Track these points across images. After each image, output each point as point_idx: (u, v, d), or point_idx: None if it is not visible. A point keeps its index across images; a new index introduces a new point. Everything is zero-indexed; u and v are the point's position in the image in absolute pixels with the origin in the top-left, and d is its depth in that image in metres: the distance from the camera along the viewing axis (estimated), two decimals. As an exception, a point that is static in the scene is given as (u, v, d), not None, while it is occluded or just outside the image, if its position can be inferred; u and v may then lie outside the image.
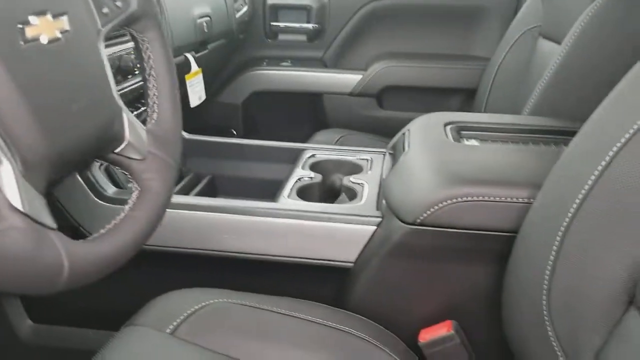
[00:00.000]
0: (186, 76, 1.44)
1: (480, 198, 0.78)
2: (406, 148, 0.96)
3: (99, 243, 0.49)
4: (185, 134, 1.26)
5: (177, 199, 0.93)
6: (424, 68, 1.87)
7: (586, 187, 0.64)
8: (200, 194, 1.21)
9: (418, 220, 0.80)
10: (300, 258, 0.89)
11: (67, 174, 0.52)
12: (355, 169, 1.13)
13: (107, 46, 0.61)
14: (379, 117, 1.91)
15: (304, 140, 1.76)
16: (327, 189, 1.12)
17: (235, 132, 1.96)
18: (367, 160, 1.15)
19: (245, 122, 1.96)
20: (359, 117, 1.90)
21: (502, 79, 1.64)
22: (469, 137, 1.02)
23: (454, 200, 0.79)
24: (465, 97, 1.89)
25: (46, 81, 0.47)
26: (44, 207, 0.45)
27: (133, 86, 1.03)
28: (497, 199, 0.78)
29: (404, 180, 0.86)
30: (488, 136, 1.02)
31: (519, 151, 0.92)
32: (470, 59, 1.91)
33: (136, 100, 1.07)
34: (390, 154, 1.09)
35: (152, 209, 0.56)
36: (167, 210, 0.89)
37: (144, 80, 0.66)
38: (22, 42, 0.45)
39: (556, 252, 0.66)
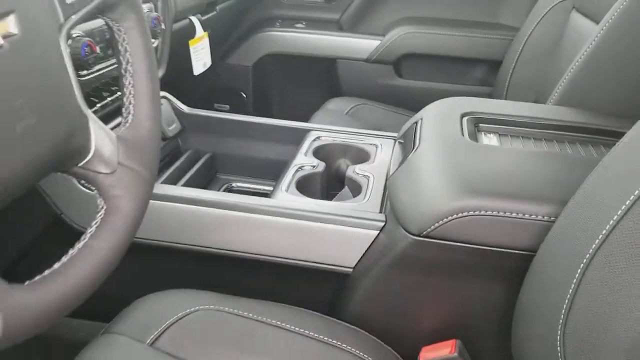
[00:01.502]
0: (190, 42, 1.35)
1: (495, 213, 0.71)
2: (417, 143, 0.88)
3: (46, 286, 0.42)
4: (186, 108, 1.19)
5: (169, 190, 0.87)
6: (446, 35, 1.75)
7: (615, 216, 0.57)
8: (199, 172, 1.15)
9: (424, 232, 0.73)
10: (296, 260, 0.83)
11: (20, 194, 0.46)
12: (362, 156, 1.05)
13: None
14: (396, 87, 1.81)
15: (316, 107, 1.68)
16: (331, 178, 1.04)
17: (245, 95, 1.88)
18: (375, 145, 1.07)
19: (255, 85, 1.87)
20: (375, 85, 1.80)
21: (530, 54, 1.52)
22: (487, 132, 0.93)
23: (466, 214, 0.71)
24: (489, 69, 1.78)
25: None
26: None
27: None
28: (514, 214, 0.71)
29: (412, 184, 0.79)
30: (508, 131, 0.93)
31: (541, 156, 0.83)
32: (497, 28, 1.78)
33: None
34: (400, 143, 1.01)
35: (116, 236, 0.49)
36: (158, 202, 0.83)
37: (120, 76, 0.59)
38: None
39: (576, 284, 0.59)
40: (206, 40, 1.42)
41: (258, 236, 0.83)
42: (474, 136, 0.88)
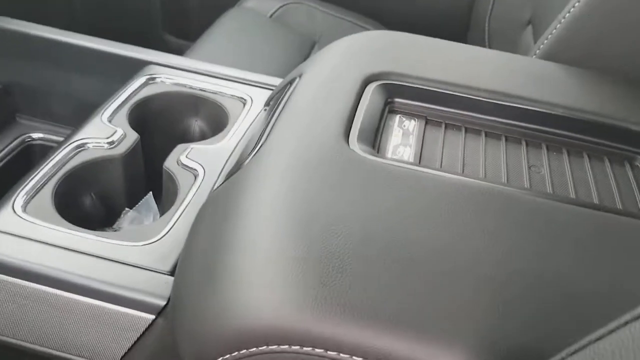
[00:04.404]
0: None
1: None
2: (262, 138, 0.47)
3: None
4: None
5: None
6: None
7: None
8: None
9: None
10: (21, 342, 0.46)
11: None
12: (216, 120, 0.64)
13: None
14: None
15: (227, 6, 1.20)
16: (149, 161, 0.63)
17: None
18: (243, 101, 0.65)
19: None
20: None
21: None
22: (407, 114, 0.52)
23: (301, 349, 0.33)
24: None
25: None
26: None
27: None
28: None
29: (206, 254, 0.39)
30: (444, 115, 0.52)
31: (492, 206, 0.42)
32: None
33: None
34: (265, 110, 0.60)
35: None
36: None
37: None
38: None
39: None
40: None
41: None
42: (371, 135, 0.47)
